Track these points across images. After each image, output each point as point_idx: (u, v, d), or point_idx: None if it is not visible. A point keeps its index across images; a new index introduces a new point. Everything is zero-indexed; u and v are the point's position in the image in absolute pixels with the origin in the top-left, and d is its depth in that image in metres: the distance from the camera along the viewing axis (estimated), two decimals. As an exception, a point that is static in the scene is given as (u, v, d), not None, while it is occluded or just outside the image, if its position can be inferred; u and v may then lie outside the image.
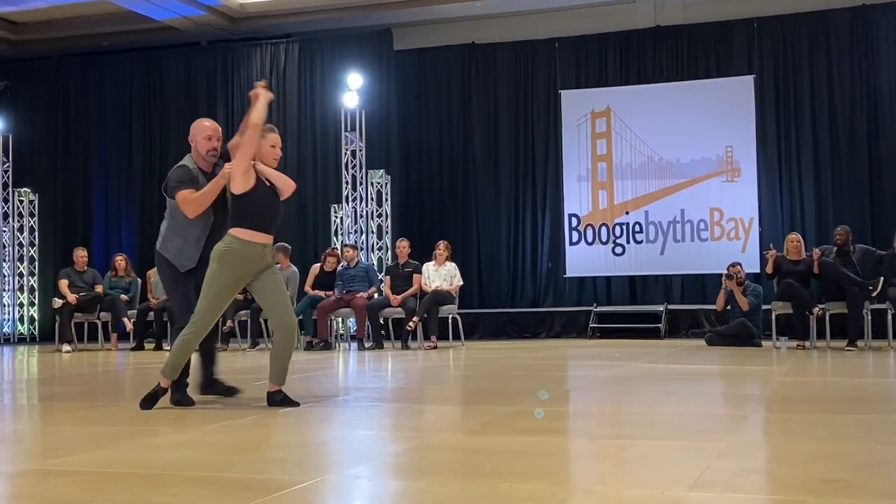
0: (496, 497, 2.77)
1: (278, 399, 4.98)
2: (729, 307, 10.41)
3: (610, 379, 6.78)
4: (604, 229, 13.28)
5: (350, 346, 11.66)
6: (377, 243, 13.17)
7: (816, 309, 9.75)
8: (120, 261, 12.21)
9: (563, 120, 13.48)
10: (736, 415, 4.77)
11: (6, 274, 14.48)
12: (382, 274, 11.89)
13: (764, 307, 10.33)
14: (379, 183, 13.18)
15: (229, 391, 5.40)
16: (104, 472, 3.28)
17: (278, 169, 5.14)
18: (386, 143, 13.65)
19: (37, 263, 14.66)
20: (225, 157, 5.21)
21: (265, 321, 10.14)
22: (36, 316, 14.63)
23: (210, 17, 13.62)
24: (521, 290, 13.61)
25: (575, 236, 13.38)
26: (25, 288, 14.61)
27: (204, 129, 5.25)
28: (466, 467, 3.32)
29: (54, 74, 15.25)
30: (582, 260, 13.34)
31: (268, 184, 5.01)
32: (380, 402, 5.53)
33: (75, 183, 15.08)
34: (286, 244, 11.85)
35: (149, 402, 4.96)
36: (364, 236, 13.14)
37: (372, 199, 13.18)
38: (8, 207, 14.54)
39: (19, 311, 14.57)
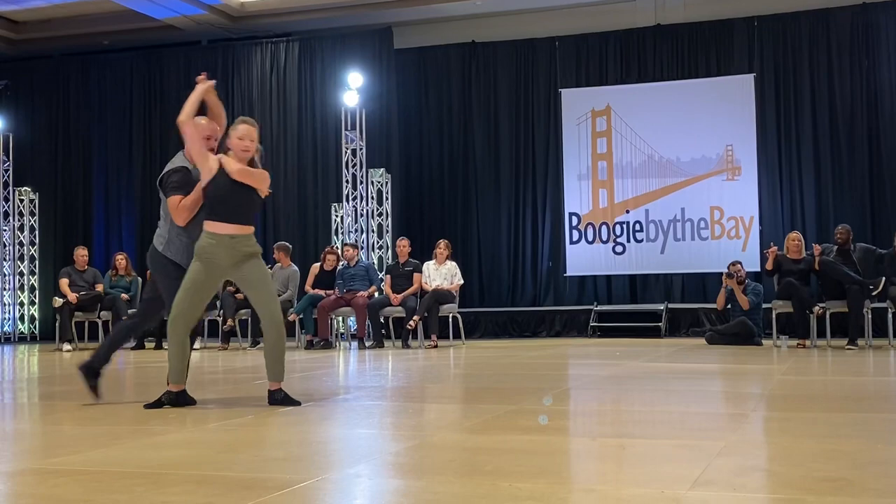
0: (497, 496, 2.76)
1: (279, 398, 4.97)
2: (729, 306, 10.41)
3: (610, 378, 6.78)
4: (604, 228, 13.28)
5: (350, 345, 11.66)
6: (377, 242, 13.17)
7: (817, 308, 9.75)
8: (120, 260, 12.21)
9: (563, 118, 13.48)
10: (736, 413, 4.76)
11: (6, 273, 14.49)
12: (383, 273, 11.89)
13: (764, 306, 10.33)
14: (379, 182, 13.18)
15: (93, 390, 5.27)
16: (104, 471, 3.28)
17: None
18: (386, 141, 13.66)
19: (37, 262, 14.68)
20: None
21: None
22: (36, 315, 14.64)
23: (210, 16, 13.64)
24: (522, 289, 13.61)
25: (575, 235, 13.38)
26: (26, 287, 14.62)
27: (202, 130, 5.25)
28: (467, 466, 3.32)
29: (55, 73, 15.27)
30: (582, 259, 13.34)
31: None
32: (380, 400, 5.52)
33: (75, 182, 15.10)
34: (287, 243, 11.86)
35: (154, 405, 4.98)
36: (364, 235, 13.14)
37: (372, 197, 13.17)
38: (8, 206, 14.55)
39: (20, 310, 14.58)
